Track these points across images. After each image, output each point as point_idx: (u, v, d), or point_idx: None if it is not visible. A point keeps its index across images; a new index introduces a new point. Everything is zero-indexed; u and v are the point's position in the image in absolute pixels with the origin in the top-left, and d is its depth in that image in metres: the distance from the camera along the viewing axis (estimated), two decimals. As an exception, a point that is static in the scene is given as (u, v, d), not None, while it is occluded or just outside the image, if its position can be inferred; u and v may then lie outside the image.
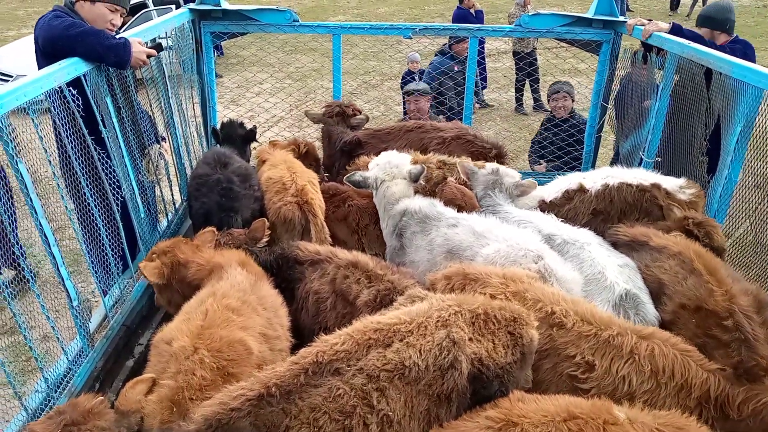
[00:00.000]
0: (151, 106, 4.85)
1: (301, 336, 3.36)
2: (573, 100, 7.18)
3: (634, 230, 3.93)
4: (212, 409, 2.30)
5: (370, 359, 2.45)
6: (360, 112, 5.74)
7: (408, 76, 10.37)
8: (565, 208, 4.33)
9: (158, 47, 4.45)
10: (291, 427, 2.29)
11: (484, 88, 12.74)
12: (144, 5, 15.15)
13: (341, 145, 5.44)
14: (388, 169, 4.25)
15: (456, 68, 8.31)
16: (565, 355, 2.90)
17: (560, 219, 4.08)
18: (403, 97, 7.67)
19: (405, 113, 7.54)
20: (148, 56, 4.25)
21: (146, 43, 4.36)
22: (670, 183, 4.22)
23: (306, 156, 5.19)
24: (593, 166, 6.24)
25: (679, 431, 2.37)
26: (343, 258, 3.58)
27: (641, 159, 5.25)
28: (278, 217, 4.16)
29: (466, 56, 6.63)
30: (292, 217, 4.11)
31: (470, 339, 2.58)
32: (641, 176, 4.27)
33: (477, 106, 12.59)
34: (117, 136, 4.10)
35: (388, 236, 4.27)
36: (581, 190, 4.35)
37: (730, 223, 4.34)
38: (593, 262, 3.61)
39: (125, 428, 2.44)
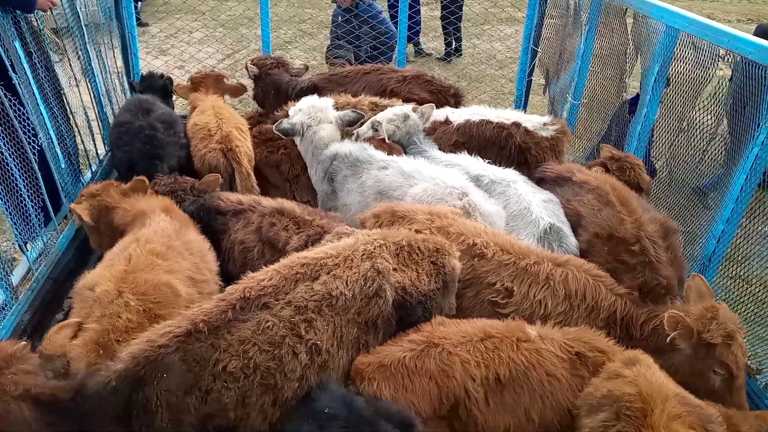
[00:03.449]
0: (67, 53, 4.62)
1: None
2: None
3: (559, 167, 4.09)
4: (140, 347, 2.31)
5: (298, 292, 2.50)
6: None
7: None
8: (431, 137, 4.43)
9: None
10: (221, 360, 2.33)
11: (416, 33, 12.59)
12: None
13: (296, 92, 5.27)
14: (314, 114, 4.17)
15: (340, 18, 7.87)
16: (486, 283, 3.04)
17: None
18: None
19: None
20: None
21: None
22: (533, 121, 4.40)
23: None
24: (525, 110, 6.38)
25: (585, 344, 2.56)
26: (268, 206, 3.56)
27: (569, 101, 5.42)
28: (203, 165, 4.09)
29: (350, 4, 6.53)
30: (217, 164, 4.04)
31: (394, 269, 2.67)
32: (505, 115, 4.43)
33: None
34: (29, 82, 3.90)
35: (318, 182, 4.25)
36: (446, 122, 4.50)
37: (647, 164, 4.56)
38: (519, 198, 3.75)
39: (51, 372, 2.42)
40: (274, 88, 5.40)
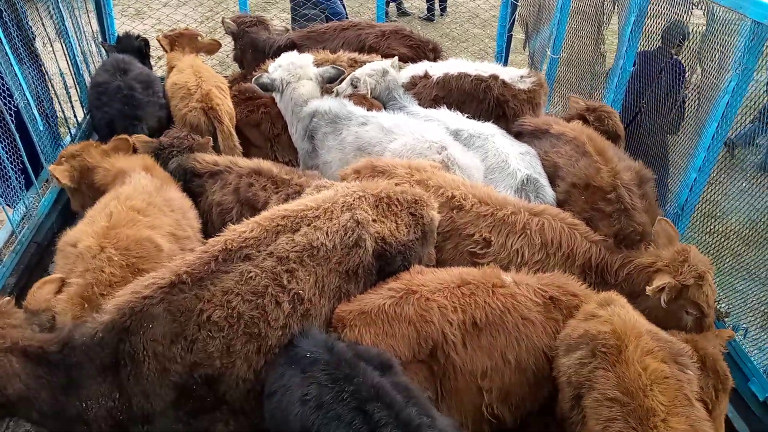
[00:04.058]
0: (40, 14, 4.53)
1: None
2: None
3: (536, 119, 4.14)
4: (125, 298, 2.35)
5: (279, 243, 2.55)
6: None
7: None
8: (410, 92, 4.45)
9: None
10: (205, 310, 2.39)
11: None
12: None
13: (274, 50, 5.19)
14: (293, 70, 4.14)
15: None
16: (465, 234, 3.11)
17: None
18: None
19: None
20: None
21: None
22: (510, 73, 4.42)
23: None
24: (506, 65, 6.36)
25: (558, 288, 2.66)
26: (245, 166, 3.55)
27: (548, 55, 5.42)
28: (184, 124, 4.08)
29: None
30: (198, 123, 4.03)
31: (374, 220, 2.73)
32: (483, 68, 4.44)
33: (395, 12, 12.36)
34: (1, 41, 3.83)
35: (298, 140, 4.26)
36: (425, 76, 4.50)
37: (625, 112, 4.62)
38: (497, 151, 3.80)
39: (36, 326, 2.47)
40: (251, 47, 5.33)
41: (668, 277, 2.80)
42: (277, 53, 4.86)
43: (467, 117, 4.13)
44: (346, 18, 6.59)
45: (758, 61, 3.19)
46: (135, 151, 3.69)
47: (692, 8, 3.66)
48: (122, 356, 2.31)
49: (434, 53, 5.16)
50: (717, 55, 3.45)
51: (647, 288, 2.83)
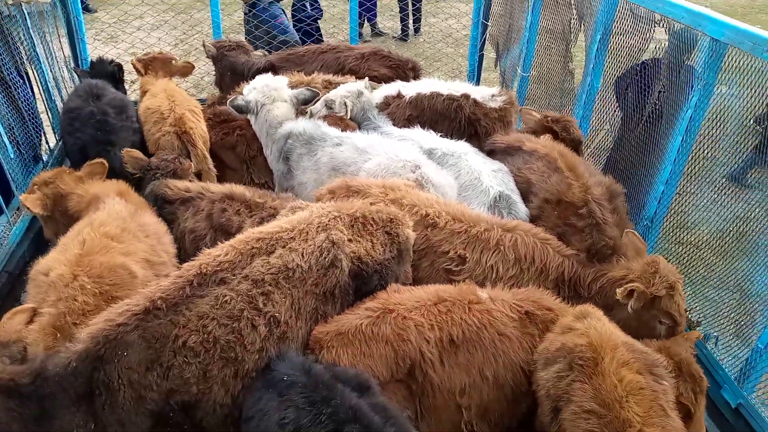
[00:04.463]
0: (8, 36, 4.49)
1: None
2: None
3: (509, 137, 4.20)
4: (98, 326, 2.33)
5: (255, 266, 2.55)
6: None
7: (298, 3, 9.98)
8: (384, 112, 4.51)
9: None
10: (180, 335, 2.37)
11: (373, 14, 12.54)
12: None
13: (253, 72, 5.17)
14: (267, 92, 4.17)
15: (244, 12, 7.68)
16: (440, 251, 3.15)
17: None
18: None
19: None
20: None
21: None
22: (481, 93, 4.51)
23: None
24: (478, 85, 6.46)
25: (533, 303, 2.69)
26: (217, 192, 3.54)
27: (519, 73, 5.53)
28: (157, 149, 4.06)
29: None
30: (172, 148, 4.02)
31: (349, 240, 2.74)
32: (455, 87, 4.52)
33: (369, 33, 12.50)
34: (-30, 71, 3.81)
35: (273, 162, 4.26)
36: (398, 96, 4.58)
37: (594, 128, 4.72)
38: (470, 169, 3.85)
39: (7, 357, 2.42)
40: (230, 70, 5.36)
41: (638, 283, 2.85)
42: (255, 76, 4.81)
43: (440, 136, 4.19)
44: (296, 42, 6.57)
45: (717, 76, 3.30)
46: (114, 170, 3.68)
47: (654, 26, 3.77)
48: (97, 385, 2.28)
49: (414, 72, 5.23)
50: (679, 71, 3.55)
51: (617, 291, 2.88)
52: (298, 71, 5.03)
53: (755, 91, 3.06)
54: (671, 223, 3.86)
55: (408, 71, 5.20)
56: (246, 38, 7.35)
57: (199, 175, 4.13)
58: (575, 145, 4.07)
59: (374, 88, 4.59)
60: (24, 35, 4.66)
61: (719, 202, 3.47)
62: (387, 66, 5.22)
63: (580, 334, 2.43)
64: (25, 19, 4.62)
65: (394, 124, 4.36)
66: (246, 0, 6.84)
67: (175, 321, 2.39)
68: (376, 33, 12.85)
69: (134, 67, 4.94)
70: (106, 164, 3.60)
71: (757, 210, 3.22)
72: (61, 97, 5.29)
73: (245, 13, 7.25)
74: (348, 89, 4.40)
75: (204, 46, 5.35)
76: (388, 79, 4.99)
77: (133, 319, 2.34)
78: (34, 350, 2.48)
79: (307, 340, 2.65)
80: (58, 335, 2.49)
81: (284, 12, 7.27)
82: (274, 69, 5.18)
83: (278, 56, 5.48)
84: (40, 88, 5.00)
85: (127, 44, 9.16)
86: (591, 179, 3.52)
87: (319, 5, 10.14)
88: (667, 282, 2.86)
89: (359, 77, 4.91)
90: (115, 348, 2.29)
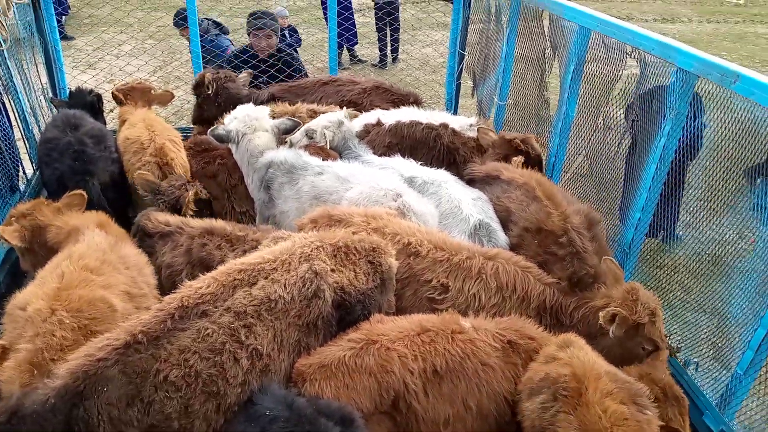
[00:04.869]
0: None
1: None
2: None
3: (487, 166, 4.27)
4: (78, 362, 2.29)
5: (237, 298, 2.54)
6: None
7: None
8: (364, 140, 4.57)
9: None
10: (161, 370, 2.34)
11: (353, 44, 12.72)
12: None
13: (257, 105, 4.96)
14: (249, 122, 4.20)
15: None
16: (423, 280, 3.16)
17: None
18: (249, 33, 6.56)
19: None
20: None
21: None
22: (460, 122, 4.61)
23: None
24: (455, 112, 6.56)
25: (516, 332, 2.71)
26: (197, 226, 3.52)
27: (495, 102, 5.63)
28: (137, 179, 4.04)
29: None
30: (152, 179, 4.00)
31: (332, 270, 2.75)
32: (434, 117, 4.61)
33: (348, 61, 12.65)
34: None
35: (255, 191, 4.27)
36: (378, 124, 4.66)
37: (570, 157, 4.81)
38: (450, 197, 3.90)
39: (-20, 396, 2.37)
40: (233, 103, 5.15)
41: (620, 309, 2.90)
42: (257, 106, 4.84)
43: (420, 164, 4.24)
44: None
45: (688, 106, 3.40)
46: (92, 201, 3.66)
47: (626, 57, 3.88)
48: (76, 422, 2.23)
49: (416, 105, 5.24)
50: (651, 101, 3.66)
51: (600, 315, 2.92)
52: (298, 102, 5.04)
53: (725, 119, 3.16)
54: (648, 246, 3.92)
55: (410, 105, 5.21)
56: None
57: (209, 203, 4.13)
58: (538, 162, 4.20)
59: (354, 117, 4.64)
60: (1, 65, 4.62)
61: (693, 225, 3.55)
62: (389, 100, 5.26)
63: (563, 363, 2.45)
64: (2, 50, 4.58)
65: (374, 151, 4.41)
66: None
67: (156, 355, 2.36)
68: (356, 60, 13.01)
69: (113, 96, 4.92)
70: (86, 196, 3.57)
71: (730, 233, 3.30)
72: (39, 126, 5.24)
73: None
74: (328, 119, 4.45)
75: (205, 82, 5.20)
76: None
77: (114, 353, 2.30)
78: (10, 388, 2.42)
79: (290, 372, 2.63)
80: (35, 372, 2.43)
81: (232, 43, 7.22)
82: (275, 100, 5.23)
83: (279, 88, 5.51)
84: (17, 117, 4.95)
85: (106, 72, 9.15)
86: (569, 208, 3.57)
87: (297, 34, 10.24)
88: (648, 308, 2.91)
89: (362, 111, 4.95)
90: (94, 383, 2.25)
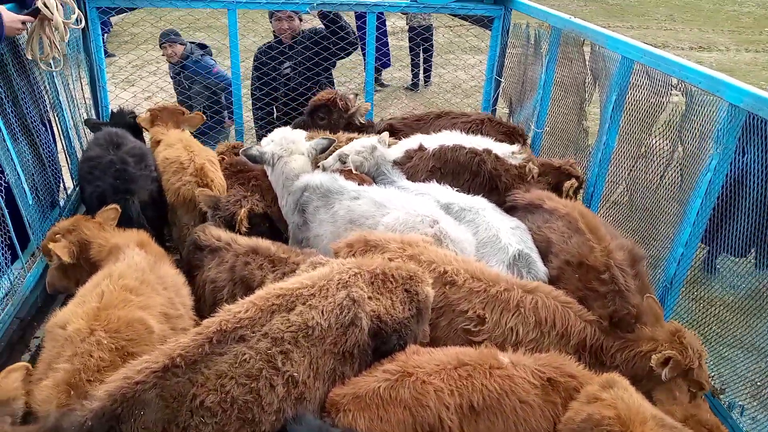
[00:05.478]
0: (34, 85, 4.58)
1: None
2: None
3: (530, 194, 4.21)
4: (116, 384, 2.29)
5: (274, 324, 2.52)
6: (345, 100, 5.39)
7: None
8: (406, 165, 4.55)
9: (34, 12, 4.18)
10: (198, 395, 2.33)
11: (386, 66, 12.81)
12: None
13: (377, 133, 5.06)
14: (285, 145, 4.23)
15: (171, 72, 7.78)
16: (459, 310, 3.10)
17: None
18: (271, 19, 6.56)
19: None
20: (24, 22, 4.02)
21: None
22: (502, 149, 4.56)
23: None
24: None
25: (556, 369, 2.63)
26: (243, 244, 3.56)
27: (532, 129, 5.58)
28: (177, 198, 4.09)
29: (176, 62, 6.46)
30: (192, 198, 4.05)
31: (369, 297, 2.72)
32: (477, 142, 4.58)
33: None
34: (-4, 119, 3.86)
35: (289, 213, 4.27)
36: (420, 149, 4.62)
37: (609, 187, 4.73)
38: (488, 225, 3.85)
39: (8, 416, 2.38)
40: (347, 128, 5.34)
41: (674, 353, 2.81)
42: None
43: (456, 190, 4.20)
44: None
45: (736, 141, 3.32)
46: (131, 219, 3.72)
47: (671, 89, 3.82)
48: (111, 445, 2.22)
49: (522, 138, 5.32)
50: (697, 135, 3.58)
51: (653, 357, 2.83)
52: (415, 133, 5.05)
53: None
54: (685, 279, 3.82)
55: (518, 136, 5.30)
56: (178, 99, 7.40)
57: (266, 217, 4.19)
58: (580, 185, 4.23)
59: (392, 144, 4.63)
60: (48, 83, 4.75)
61: (730, 258, 3.44)
62: (502, 132, 5.29)
63: (607, 405, 2.36)
64: (49, 64, 4.70)
65: (417, 176, 4.40)
66: (172, 59, 6.74)
67: (194, 379, 2.35)
68: (380, 84, 13.02)
69: (139, 123, 5.05)
70: (119, 210, 3.63)
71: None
72: (81, 142, 5.36)
73: (174, 74, 7.15)
74: (362, 144, 4.46)
75: (357, 115, 5.32)
76: None
77: (152, 376, 2.30)
78: (47, 408, 2.43)
79: (324, 401, 2.59)
80: (72, 392, 2.44)
81: (215, 62, 7.32)
82: (394, 131, 5.29)
83: (396, 121, 5.59)
84: (61, 133, 5.07)
85: (144, 89, 9.35)
86: (613, 242, 3.46)
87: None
88: (698, 353, 2.82)
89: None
90: (132, 407, 2.24)
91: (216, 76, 7.30)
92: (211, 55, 7.91)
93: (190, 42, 7.55)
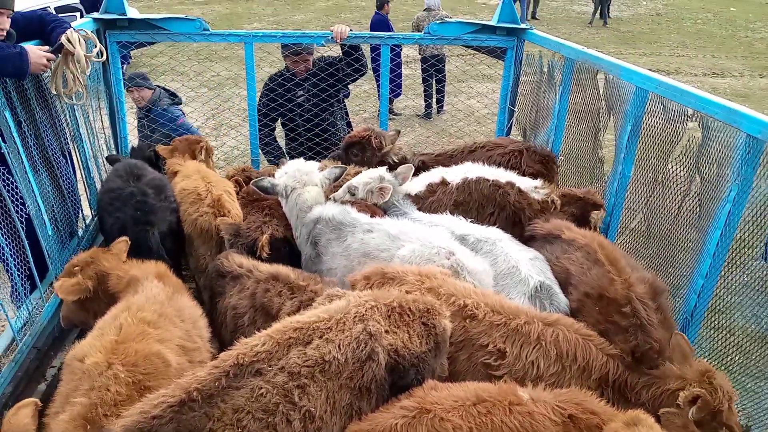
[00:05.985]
0: (55, 118, 4.68)
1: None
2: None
3: (549, 224, 4.17)
4: (132, 419, 2.28)
5: (291, 357, 2.51)
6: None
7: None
8: (428, 200, 4.54)
9: (58, 49, 4.28)
10: (214, 429, 2.31)
11: (397, 96, 12.94)
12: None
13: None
14: (299, 177, 4.23)
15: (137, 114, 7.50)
16: (479, 344, 3.06)
17: (425, 211, 4.40)
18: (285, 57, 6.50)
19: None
20: (49, 60, 4.12)
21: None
22: (525, 183, 4.54)
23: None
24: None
25: (577, 405, 2.57)
26: (264, 271, 3.57)
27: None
28: (195, 229, 4.12)
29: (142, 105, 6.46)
30: (209, 228, 4.08)
31: (386, 331, 2.69)
32: (498, 174, 4.55)
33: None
34: (19, 151, 3.94)
35: (302, 244, 4.26)
36: (443, 183, 4.60)
37: (626, 216, 4.69)
38: (507, 257, 3.81)
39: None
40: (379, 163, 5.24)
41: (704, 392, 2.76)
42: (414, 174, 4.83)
43: (470, 221, 4.18)
44: None
45: (756, 172, 3.29)
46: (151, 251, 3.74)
47: (687, 120, 3.81)
48: (127, 481, 2.21)
49: (555, 165, 5.27)
50: (715, 166, 3.55)
51: (681, 394, 2.78)
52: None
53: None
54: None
55: (552, 165, 5.24)
56: (141, 141, 7.33)
57: (286, 241, 4.20)
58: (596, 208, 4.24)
59: (404, 178, 4.57)
60: (69, 116, 4.85)
61: (752, 286, 3.38)
62: (539, 161, 5.19)
63: (631, 443, 2.32)
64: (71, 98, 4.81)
65: (440, 210, 4.38)
66: (139, 104, 6.76)
67: (210, 414, 2.34)
68: (393, 113, 13.13)
69: (157, 153, 5.13)
70: (129, 242, 3.65)
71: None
72: (99, 173, 5.44)
73: (139, 118, 7.11)
74: (370, 175, 4.46)
75: (391, 154, 5.25)
76: (541, 175, 4.97)
77: (168, 411, 2.29)
78: (64, 442, 2.42)
79: (341, 437, 2.56)
80: (89, 427, 2.43)
81: (183, 113, 7.27)
82: (425, 167, 5.19)
83: (429, 157, 5.47)
84: (80, 164, 5.16)
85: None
86: (634, 275, 3.40)
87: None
88: (728, 395, 2.76)
89: (518, 174, 4.84)
90: (148, 442, 2.23)
91: (181, 127, 6.98)
92: (180, 104, 7.75)
93: (159, 87, 7.46)
